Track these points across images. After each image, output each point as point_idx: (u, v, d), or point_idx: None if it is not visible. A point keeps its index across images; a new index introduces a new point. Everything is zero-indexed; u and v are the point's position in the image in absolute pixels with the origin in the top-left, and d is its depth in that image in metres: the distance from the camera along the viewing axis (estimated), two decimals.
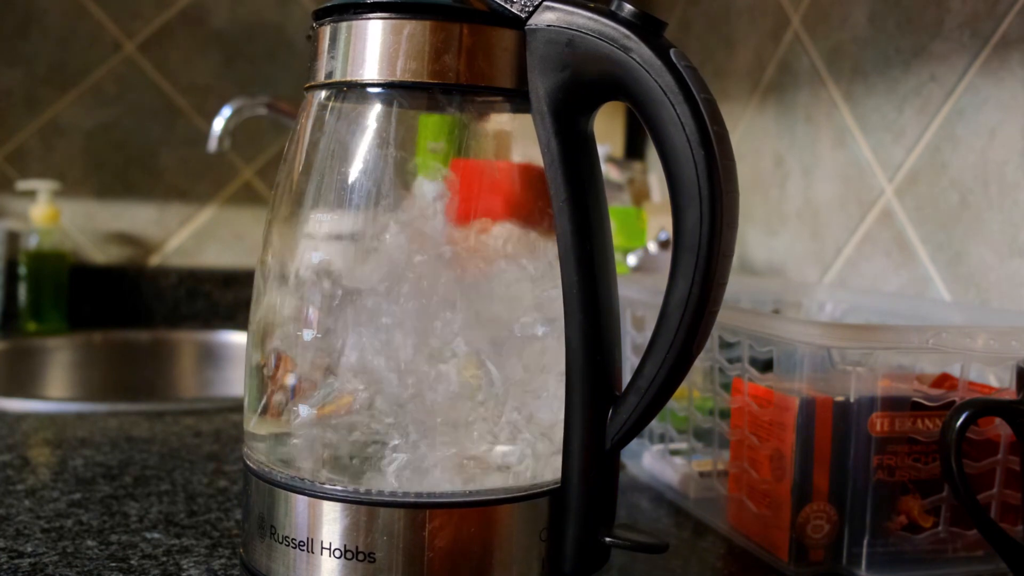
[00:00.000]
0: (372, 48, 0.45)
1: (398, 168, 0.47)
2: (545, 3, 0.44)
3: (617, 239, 1.02)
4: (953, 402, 0.54)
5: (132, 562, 0.53)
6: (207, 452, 0.78)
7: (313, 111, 0.48)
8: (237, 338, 1.34)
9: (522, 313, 0.47)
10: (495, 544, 0.45)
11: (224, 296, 1.44)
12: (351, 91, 0.47)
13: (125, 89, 1.40)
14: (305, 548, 0.45)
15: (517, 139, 0.49)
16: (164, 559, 0.54)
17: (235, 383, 1.32)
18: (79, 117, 1.39)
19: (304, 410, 0.47)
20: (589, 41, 0.43)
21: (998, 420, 0.55)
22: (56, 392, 1.27)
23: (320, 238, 0.47)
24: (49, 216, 1.31)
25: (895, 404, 0.55)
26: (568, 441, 0.46)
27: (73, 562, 0.53)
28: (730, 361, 0.64)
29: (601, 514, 0.47)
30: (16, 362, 1.23)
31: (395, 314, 0.46)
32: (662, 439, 0.74)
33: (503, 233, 0.48)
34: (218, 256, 1.46)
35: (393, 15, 0.44)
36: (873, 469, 0.55)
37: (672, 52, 0.43)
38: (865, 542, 0.55)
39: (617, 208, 1.11)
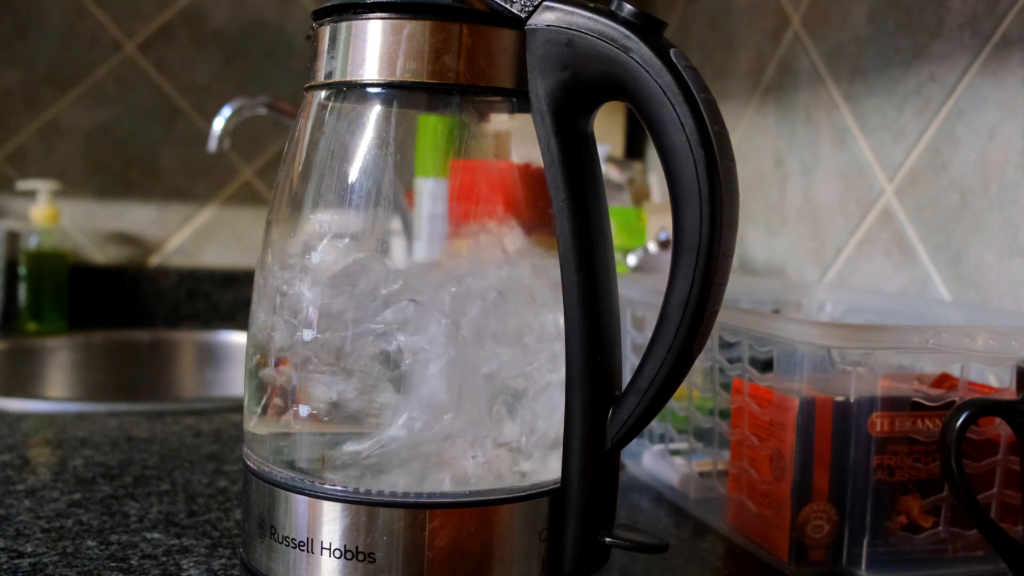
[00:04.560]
0: (372, 48, 0.45)
1: (398, 168, 0.47)
2: (545, 3, 0.44)
3: (617, 239, 1.02)
4: (953, 402, 0.54)
5: (132, 562, 0.53)
6: (207, 452, 0.78)
7: (313, 111, 0.48)
8: (237, 338, 1.34)
9: (521, 314, 0.47)
10: (495, 544, 0.45)
11: (224, 296, 1.44)
12: (351, 91, 0.47)
13: (125, 89, 1.40)
14: (305, 548, 0.45)
15: (517, 139, 0.49)
16: (164, 559, 0.54)
17: (235, 383, 1.32)
18: (79, 117, 1.39)
19: (304, 410, 0.47)
20: (589, 41, 0.43)
21: (998, 420, 0.55)
22: (56, 392, 1.27)
23: (320, 238, 0.47)
24: (49, 216, 1.31)
25: (895, 404, 0.55)
26: (568, 441, 0.46)
27: (73, 562, 0.53)
28: (730, 361, 0.64)
29: (601, 514, 0.47)
30: (16, 362, 1.23)
31: (395, 313, 0.46)
32: (662, 439, 0.74)
33: (501, 237, 0.48)
34: (218, 256, 1.46)
35: (393, 15, 0.44)
36: (873, 469, 0.55)
37: (672, 52, 0.43)
38: (865, 542, 0.55)
39: (617, 208, 1.11)
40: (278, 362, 0.48)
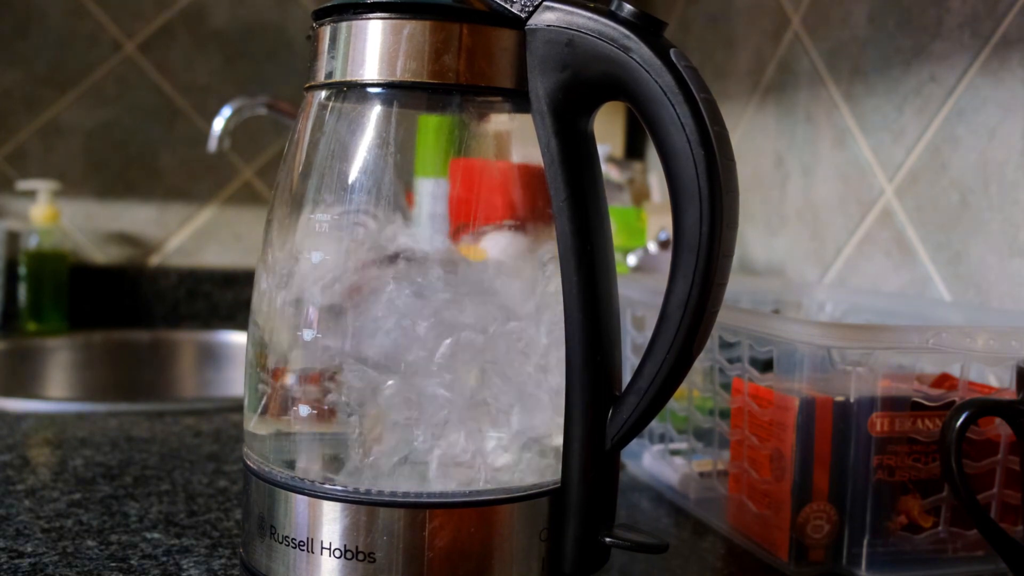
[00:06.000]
0: (372, 48, 0.45)
1: (398, 168, 0.47)
2: (545, 3, 0.44)
3: (617, 239, 1.02)
4: (953, 402, 0.54)
5: (132, 562, 0.54)
6: (207, 452, 0.78)
7: (313, 111, 0.48)
8: (237, 338, 1.34)
9: (518, 316, 0.47)
10: (495, 544, 0.45)
11: (224, 296, 1.44)
12: (351, 91, 0.47)
13: (125, 89, 1.40)
14: (305, 548, 0.45)
15: (517, 139, 0.49)
16: (164, 559, 0.54)
17: (235, 383, 1.32)
18: (79, 117, 1.39)
19: (304, 410, 0.47)
20: (589, 41, 0.43)
21: (998, 420, 0.55)
22: (56, 392, 1.27)
23: (320, 238, 0.47)
24: (49, 216, 1.31)
25: (895, 404, 0.55)
26: (568, 441, 0.46)
27: (73, 562, 0.53)
28: (730, 361, 0.64)
29: (601, 514, 0.47)
30: (16, 362, 1.23)
31: (395, 314, 0.46)
32: (662, 439, 0.74)
33: (500, 239, 0.48)
34: (218, 256, 1.46)
35: (393, 15, 0.44)
36: (873, 469, 0.55)
37: (672, 52, 0.43)
38: (865, 542, 0.55)
39: (617, 208, 1.11)
40: (278, 362, 0.48)
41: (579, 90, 0.45)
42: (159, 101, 1.42)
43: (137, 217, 1.43)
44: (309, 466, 0.47)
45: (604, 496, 0.47)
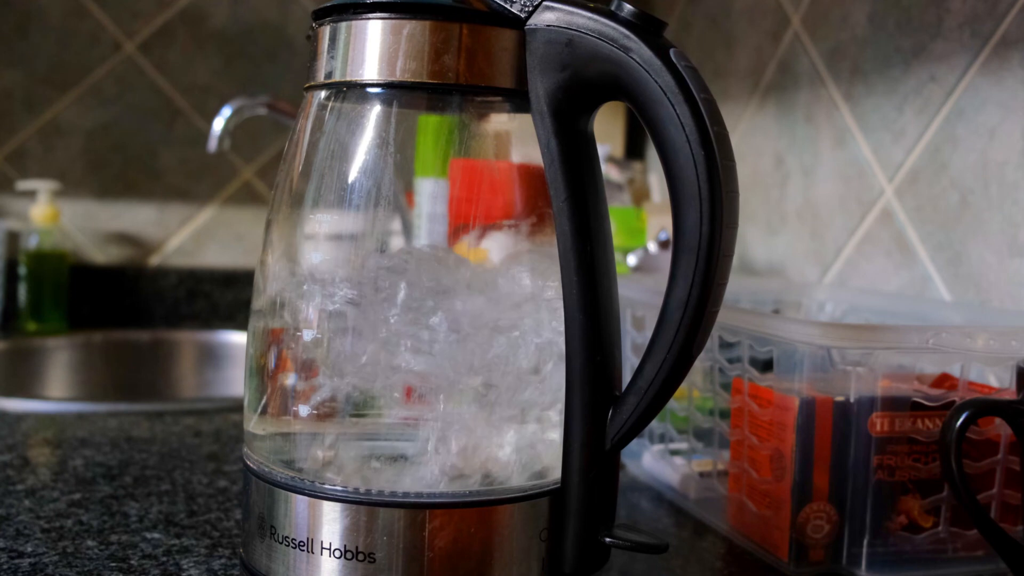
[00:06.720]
0: (372, 48, 0.45)
1: (398, 168, 0.47)
2: (545, 3, 0.44)
3: (617, 239, 1.02)
4: (953, 402, 0.55)
5: (132, 562, 0.54)
6: (207, 452, 0.78)
7: (313, 111, 0.48)
8: (237, 338, 1.34)
9: (518, 316, 0.47)
10: (495, 544, 0.45)
11: (224, 296, 1.44)
12: (351, 91, 0.47)
13: (125, 89, 1.40)
14: (305, 548, 0.45)
15: (517, 139, 0.49)
16: (164, 559, 0.54)
17: (235, 383, 1.32)
18: (79, 117, 1.39)
19: (304, 410, 0.47)
20: (589, 41, 0.43)
21: (998, 420, 0.55)
22: (56, 392, 1.27)
23: (320, 238, 0.47)
24: (49, 216, 1.31)
25: (895, 404, 0.55)
26: (568, 441, 0.46)
27: (73, 562, 0.53)
28: (730, 361, 0.64)
29: (601, 514, 0.47)
30: (16, 362, 1.23)
31: (395, 315, 0.46)
32: (662, 439, 0.74)
33: (500, 239, 0.48)
34: (218, 256, 1.46)
35: (393, 15, 0.44)
36: (873, 469, 0.55)
37: (672, 52, 0.43)
38: (865, 542, 0.55)
39: (617, 208, 1.11)
40: (278, 362, 0.48)
41: (579, 90, 0.45)
42: (159, 101, 1.42)
43: (137, 217, 1.43)
44: (309, 466, 0.47)
45: (604, 496, 0.47)
